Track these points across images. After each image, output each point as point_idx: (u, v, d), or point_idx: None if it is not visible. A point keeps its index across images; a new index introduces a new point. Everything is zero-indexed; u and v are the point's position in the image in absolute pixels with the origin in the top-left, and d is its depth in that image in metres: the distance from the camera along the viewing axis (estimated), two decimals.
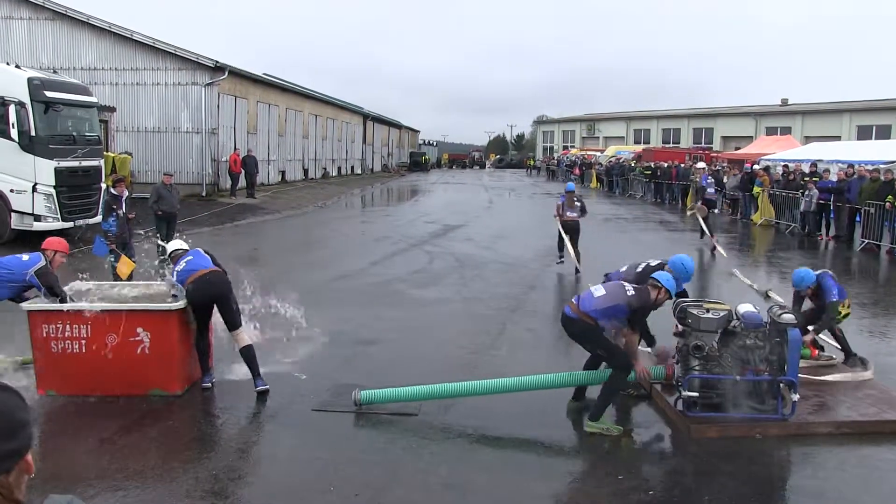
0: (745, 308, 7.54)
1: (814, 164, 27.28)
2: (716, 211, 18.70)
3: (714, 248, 17.39)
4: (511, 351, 10.02)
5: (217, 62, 31.83)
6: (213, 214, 25.74)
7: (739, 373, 7.25)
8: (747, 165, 32.19)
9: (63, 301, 8.19)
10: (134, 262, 13.15)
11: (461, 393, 7.77)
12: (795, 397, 7.13)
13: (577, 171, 57.74)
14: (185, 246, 8.81)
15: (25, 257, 8.36)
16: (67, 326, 7.90)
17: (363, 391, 7.72)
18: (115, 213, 13.95)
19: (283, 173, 42.81)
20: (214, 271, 8.23)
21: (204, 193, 31.37)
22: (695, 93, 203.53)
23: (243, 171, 32.39)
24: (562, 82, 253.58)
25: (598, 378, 7.62)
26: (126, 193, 14.66)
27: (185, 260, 8.34)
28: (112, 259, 13.19)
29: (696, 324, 7.40)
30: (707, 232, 20.20)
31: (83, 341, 7.92)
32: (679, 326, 7.74)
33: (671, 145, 67.34)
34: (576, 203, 16.11)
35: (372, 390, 7.76)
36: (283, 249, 20.01)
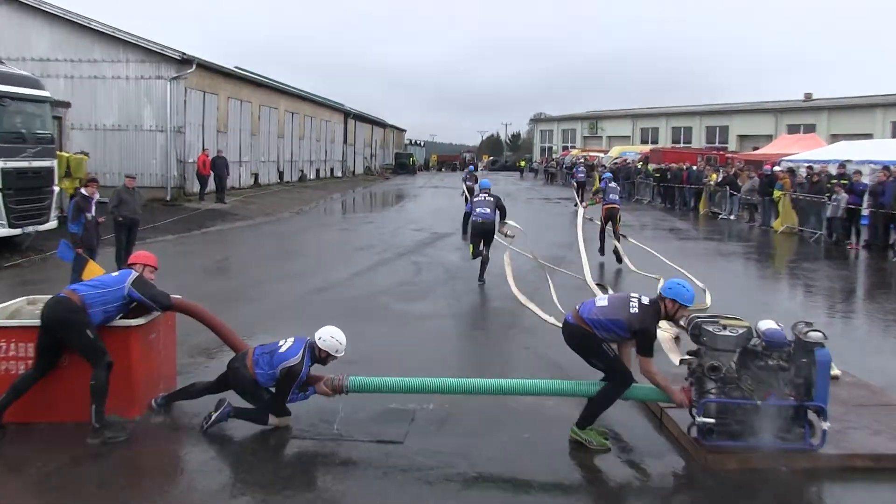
0: (766, 325, 7.44)
1: (842, 164, 27.15)
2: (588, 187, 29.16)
3: (586, 207, 21.94)
4: (506, 371, 9.91)
5: (184, 54, 31.76)
6: (178, 221, 25.62)
7: (761, 397, 7.15)
8: (766, 167, 32.18)
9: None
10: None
11: (457, 390, 7.85)
12: (826, 426, 7.01)
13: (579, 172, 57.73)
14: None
15: (115, 273, 8.17)
16: (12, 345, 7.75)
17: (352, 377, 7.85)
18: (83, 216, 13.90)
19: (257, 176, 42.75)
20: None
21: (169, 198, 31.26)
22: (708, 88, 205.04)
23: (212, 174, 32.35)
24: (562, 77, 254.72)
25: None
26: (97, 196, 14.60)
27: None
28: (76, 265, 13.12)
29: (711, 342, 7.31)
30: (578, 200, 31.29)
31: (30, 362, 7.75)
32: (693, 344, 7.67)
33: (682, 145, 67.66)
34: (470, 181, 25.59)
35: (362, 378, 7.87)
36: (255, 259, 19.90)
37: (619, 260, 18.69)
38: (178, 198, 31.64)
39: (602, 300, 7.61)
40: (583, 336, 7.46)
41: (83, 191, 14.51)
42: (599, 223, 19.90)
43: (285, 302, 14.03)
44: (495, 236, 16.21)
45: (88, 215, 14.06)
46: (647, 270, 17.11)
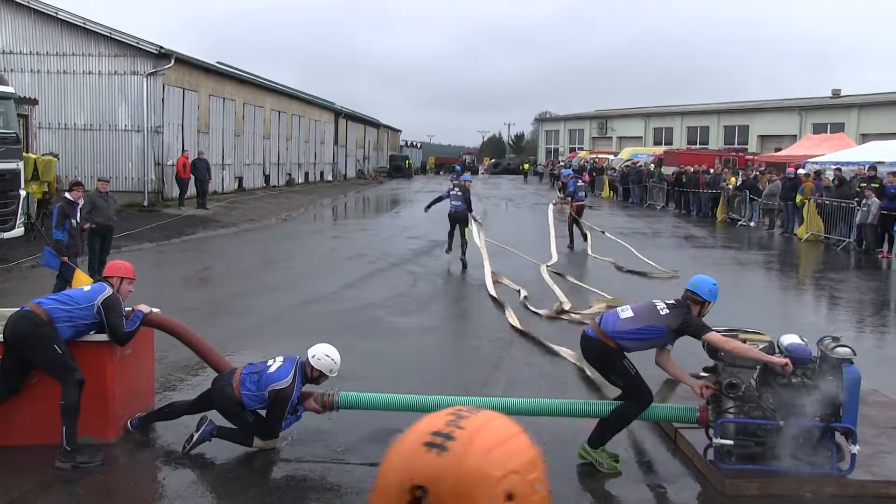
0: (789, 339, 7.46)
1: (872, 166, 27.06)
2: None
3: (557, 205, 27.44)
4: (509, 389, 9.93)
5: (161, 48, 31.73)
6: (156, 228, 25.61)
7: (784, 417, 7.16)
8: (789, 170, 32.15)
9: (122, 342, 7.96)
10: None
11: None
12: (855, 449, 7.01)
13: (586, 176, 57.76)
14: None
15: (87, 288, 8.17)
16: None
17: (343, 392, 7.87)
18: (68, 222, 13.99)
19: (241, 180, 42.81)
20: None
21: (146, 203, 31.22)
22: (727, 84, 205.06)
23: (193, 177, 32.27)
24: (568, 73, 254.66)
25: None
26: (82, 201, 14.68)
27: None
28: (60, 272, 13.24)
29: (729, 358, 7.32)
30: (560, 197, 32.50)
31: None
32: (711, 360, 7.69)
33: (698, 146, 67.61)
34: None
35: (354, 393, 7.89)
36: (239, 269, 19.89)
37: (585, 238, 23.80)
38: (156, 203, 31.58)
39: (626, 312, 7.63)
40: (604, 351, 7.51)
41: (67, 195, 14.55)
42: (569, 218, 24.38)
43: (271, 315, 14.03)
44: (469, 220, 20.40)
45: (73, 221, 14.15)
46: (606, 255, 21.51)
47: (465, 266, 19.41)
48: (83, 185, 15.46)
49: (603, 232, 25.40)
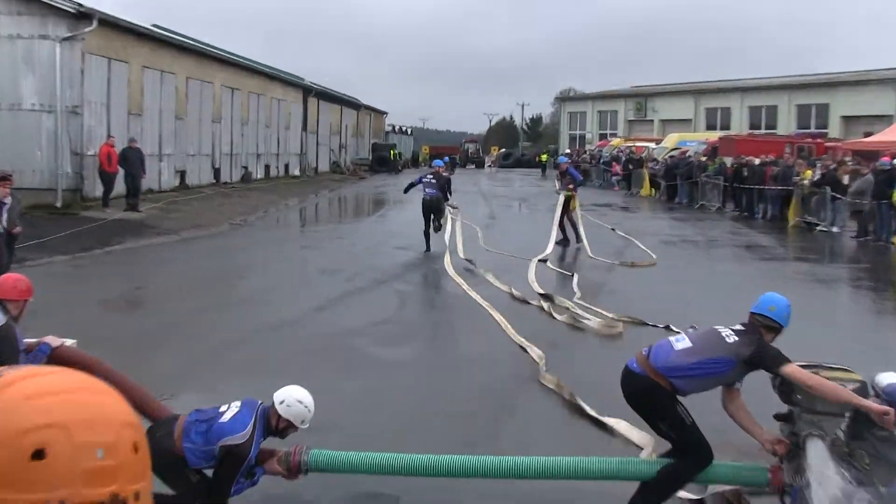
0: (888, 379, 7.32)
1: None
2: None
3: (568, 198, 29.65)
4: (521, 440, 9.86)
5: (80, 6, 31.47)
6: (72, 235, 25.51)
7: (883, 481, 7.02)
8: (884, 160, 31.94)
9: None
10: None
11: (454, 471, 7.68)
12: None
13: (617, 168, 57.63)
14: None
15: None
16: None
17: (314, 451, 7.62)
18: None
19: (183, 174, 42.84)
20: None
21: (59, 203, 31.06)
22: (799, 54, 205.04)
23: (122, 171, 32.15)
24: (596, 41, 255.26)
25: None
26: (9, 200, 14.63)
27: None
28: None
29: (809, 403, 7.21)
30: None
31: None
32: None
33: (763, 131, 67.60)
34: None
35: (327, 451, 7.68)
36: (181, 288, 19.82)
37: (578, 237, 27.00)
38: (73, 204, 31.44)
39: (681, 342, 7.58)
40: (653, 393, 7.45)
41: None
42: (563, 213, 27.38)
43: (222, 346, 13.92)
44: (445, 210, 25.25)
45: (1, 223, 14.16)
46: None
47: (428, 248, 24.80)
48: (11, 178, 15.32)
49: (613, 229, 30.61)
